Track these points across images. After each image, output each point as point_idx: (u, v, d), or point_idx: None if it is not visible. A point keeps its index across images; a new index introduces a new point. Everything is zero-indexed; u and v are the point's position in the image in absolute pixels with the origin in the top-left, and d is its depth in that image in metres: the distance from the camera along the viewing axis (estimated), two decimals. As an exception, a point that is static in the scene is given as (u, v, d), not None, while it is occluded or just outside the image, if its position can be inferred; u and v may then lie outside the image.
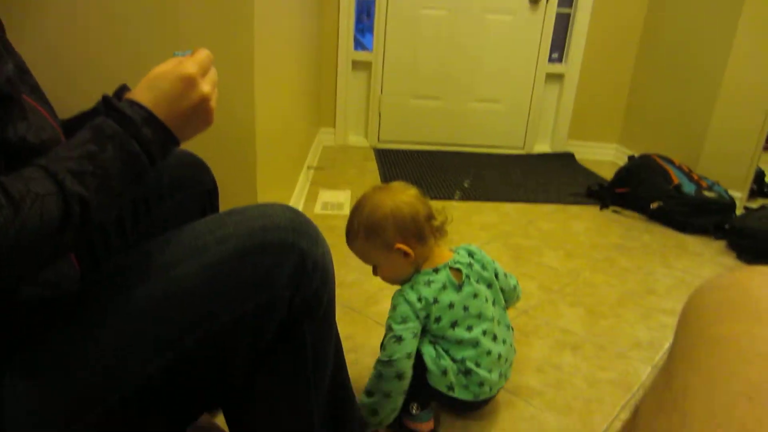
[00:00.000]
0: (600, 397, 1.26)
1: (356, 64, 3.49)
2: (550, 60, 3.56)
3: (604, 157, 3.64)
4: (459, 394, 1.05)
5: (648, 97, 3.37)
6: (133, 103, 0.59)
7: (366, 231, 1.05)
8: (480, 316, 1.07)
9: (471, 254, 1.12)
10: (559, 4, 3.42)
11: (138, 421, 0.64)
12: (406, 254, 1.04)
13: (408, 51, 3.45)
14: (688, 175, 2.53)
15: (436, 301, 1.04)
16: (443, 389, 1.05)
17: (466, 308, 1.05)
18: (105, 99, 0.60)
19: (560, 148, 3.67)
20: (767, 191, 3.03)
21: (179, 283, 0.63)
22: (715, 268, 2.03)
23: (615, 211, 2.57)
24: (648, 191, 2.51)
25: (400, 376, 1.01)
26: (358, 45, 3.55)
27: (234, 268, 0.64)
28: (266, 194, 1.55)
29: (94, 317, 0.63)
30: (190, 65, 0.62)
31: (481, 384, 1.06)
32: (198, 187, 1.02)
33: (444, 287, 1.05)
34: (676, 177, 2.50)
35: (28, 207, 0.49)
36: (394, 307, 1.04)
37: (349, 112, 3.57)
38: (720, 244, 2.26)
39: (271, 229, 0.67)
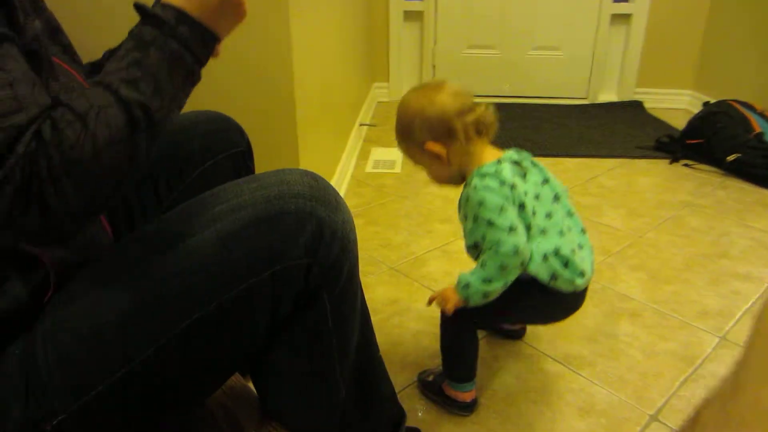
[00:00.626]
0: (658, 371, 1.18)
1: (408, 15, 3.35)
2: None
3: (677, 105, 3.37)
4: (561, 284, 0.95)
5: (726, 35, 3.06)
6: (165, 6, 0.59)
7: (400, 133, 1.03)
8: (554, 204, 0.99)
9: (519, 153, 1.03)
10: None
11: (159, 388, 0.64)
12: (438, 155, 0.98)
13: (461, 1, 3.27)
14: (772, 123, 2.30)
15: (513, 186, 0.94)
16: (546, 278, 0.94)
17: (537, 196, 0.97)
18: (137, 6, 0.60)
19: (628, 96, 3.42)
20: None
21: (194, 252, 0.63)
22: (798, 227, 1.85)
23: (686, 165, 2.38)
24: (725, 142, 2.30)
25: (523, 264, 0.93)
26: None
27: (249, 237, 0.63)
28: (310, 154, 1.52)
29: (115, 283, 0.62)
30: None
31: (581, 274, 0.96)
32: (231, 150, 1.00)
33: (513, 175, 0.96)
34: (758, 125, 2.27)
35: (95, 119, 0.51)
36: (480, 203, 0.93)
37: (403, 65, 3.46)
38: (807, 200, 2.06)
39: (288, 196, 0.65)
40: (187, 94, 0.61)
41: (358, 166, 2.31)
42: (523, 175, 0.97)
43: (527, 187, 0.96)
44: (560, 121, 3.03)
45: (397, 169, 2.27)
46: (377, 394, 0.86)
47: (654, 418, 1.06)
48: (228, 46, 0.68)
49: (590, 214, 1.90)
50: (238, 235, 0.63)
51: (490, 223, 0.91)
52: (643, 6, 3.24)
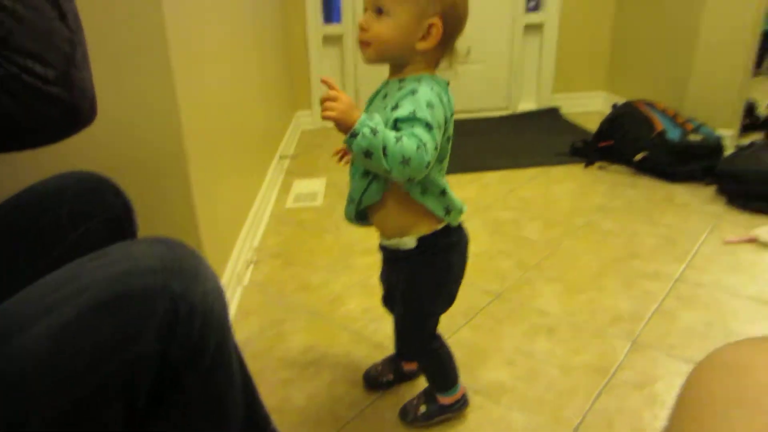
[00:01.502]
0: (574, 387, 1.19)
1: (327, 39, 3.35)
2: (528, 9, 3.40)
3: (592, 107, 3.50)
4: (453, 218, 0.94)
5: (630, 38, 3.21)
6: None
7: None
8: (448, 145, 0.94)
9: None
10: (529, -51, 3.24)
11: None
12: (428, 35, 0.84)
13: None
14: (673, 119, 2.41)
15: (450, 116, 0.87)
16: (441, 213, 0.92)
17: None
18: None
19: (546, 103, 3.53)
20: (761, 123, 2.89)
21: (23, 354, 0.55)
22: (702, 218, 1.93)
23: (600, 168, 2.46)
24: (632, 142, 2.40)
25: (406, 162, 0.79)
26: (334, 13, 3.38)
27: (90, 326, 0.56)
28: (212, 201, 1.47)
29: None
30: None
31: (461, 208, 0.96)
32: (105, 214, 0.92)
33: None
34: (660, 123, 2.38)
35: None
36: (429, 104, 0.81)
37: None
38: (710, 191, 2.16)
39: (135, 273, 0.58)
40: None
41: (279, 201, 2.28)
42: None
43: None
44: (483, 134, 3.08)
45: (319, 202, 2.25)
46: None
47: (570, 437, 1.08)
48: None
49: (510, 228, 1.93)
50: (77, 325, 0.56)
51: (428, 126, 0.81)
52: (553, 15, 3.36)
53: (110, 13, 1.12)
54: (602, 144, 2.54)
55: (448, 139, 0.89)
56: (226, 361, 0.69)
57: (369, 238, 1.90)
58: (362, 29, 0.85)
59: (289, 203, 2.25)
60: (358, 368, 1.25)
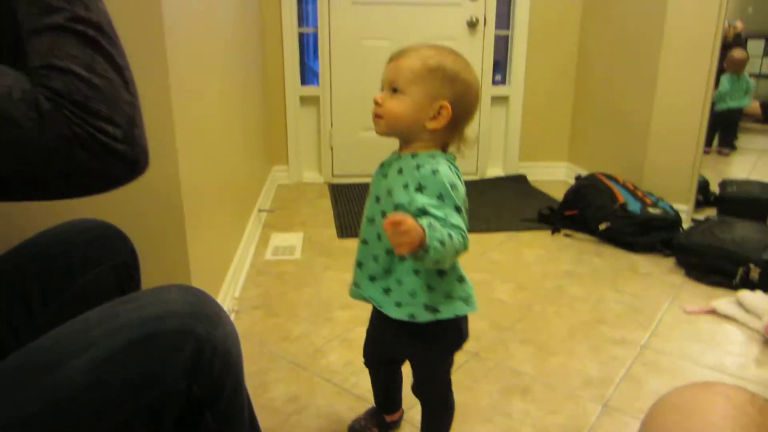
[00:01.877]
0: (549, 446, 1.23)
1: (304, 100, 3.48)
2: (494, 83, 3.61)
3: (555, 176, 3.68)
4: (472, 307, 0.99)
5: (590, 114, 3.44)
6: None
7: (434, 67, 0.90)
8: None
9: None
10: (497, 26, 3.47)
11: None
12: (437, 116, 0.90)
13: (354, 83, 3.45)
14: (633, 192, 2.57)
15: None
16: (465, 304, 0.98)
17: None
18: None
19: (513, 170, 3.70)
20: (713, 200, 3.10)
21: (65, 384, 0.60)
22: (664, 288, 2.05)
23: (566, 235, 2.59)
24: (595, 212, 2.54)
25: (458, 252, 0.88)
26: (311, 73, 3.53)
27: (124, 363, 0.61)
28: (201, 250, 1.50)
29: None
30: None
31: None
32: (113, 260, 0.97)
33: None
34: (621, 196, 2.53)
35: (61, 62, 0.56)
36: (453, 186, 0.88)
37: (301, 148, 3.55)
38: (669, 262, 2.29)
39: (165, 316, 0.65)
40: None
41: (257, 253, 2.30)
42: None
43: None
44: (453, 196, 3.19)
45: (297, 255, 2.28)
46: None
47: (547, 495, 1.11)
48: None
49: (483, 290, 2.00)
50: (112, 361, 0.61)
51: (458, 209, 0.88)
52: (518, 88, 3.58)
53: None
54: (568, 212, 2.68)
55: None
56: (240, 401, 0.73)
57: (347, 293, 1.93)
58: (377, 104, 0.93)
59: (268, 255, 2.28)
60: (340, 420, 1.27)
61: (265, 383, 1.41)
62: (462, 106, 0.93)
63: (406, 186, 0.91)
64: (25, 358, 0.63)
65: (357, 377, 1.45)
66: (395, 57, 0.94)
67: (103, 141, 0.55)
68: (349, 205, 3.03)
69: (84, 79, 0.55)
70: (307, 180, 3.57)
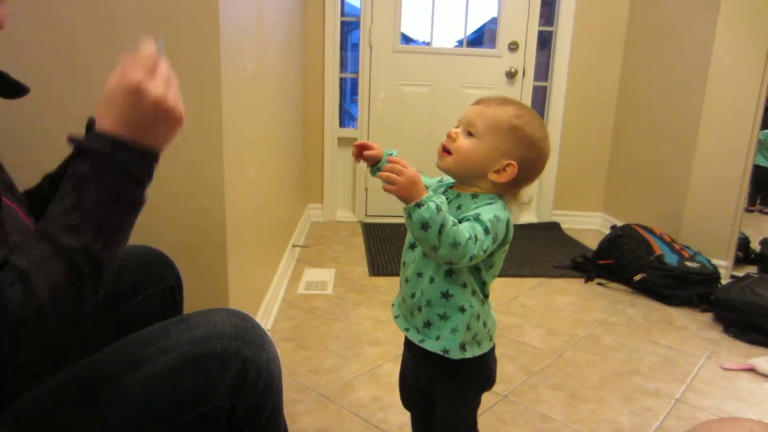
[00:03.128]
0: (579, 494, 1.21)
1: (342, 141, 3.57)
2: (531, 133, 3.65)
3: (589, 226, 3.66)
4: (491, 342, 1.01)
5: (626, 166, 3.43)
6: (99, 136, 0.58)
7: (517, 128, 0.91)
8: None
9: None
10: (536, 78, 3.54)
11: None
12: (502, 171, 0.92)
13: (391, 127, 3.54)
14: (670, 245, 2.54)
15: (505, 241, 0.95)
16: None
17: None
18: (71, 140, 0.60)
19: (546, 218, 3.70)
20: (754, 257, 3.03)
21: (120, 396, 0.63)
22: (700, 343, 2.00)
23: (600, 284, 2.56)
24: (631, 263, 2.51)
25: (455, 246, 0.83)
26: (348, 116, 3.63)
27: (174, 380, 0.65)
28: (240, 280, 1.55)
29: (38, 430, 0.62)
30: (133, 71, 0.59)
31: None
32: (161, 284, 1.02)
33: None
34: (658, 248, 2.50)
35: (35, 276, 0.52)
36: (498, 220, 0.89)
37: (337, 187, 3.63)
38: (706, 317, 2.24)
39: (214, 337, 0.68)
40: (132, 223, 0.62)
41: (290, 287, 2.34)
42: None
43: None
44: (485, 241, 3.20)
45: (329, 290, 2.31)
46: None
47: None
48: (157, 175, 0.66)
49: (513, 333, 1.98)
50: (163, 377, 0.64)
51: (486, 230, 0.88)
52: (554, 138, 3.61)
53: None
54: (602, 261, 2.65)
55: (504, 251, 0.98)
56: (277, 423, 0.75)
57: (377, 330, 1.95)
58: (450, 137, 0.94)
59: (300, 289, 2.31)
60: (367, 456, 1.27)
61: (294, 414, 1.42)
62: (528, 170, 0.94)
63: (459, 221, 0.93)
64: (82, 372, 0.67)
65: (385, 413, 1.45)
66: (484, 101, 0.95)
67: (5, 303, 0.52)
68: (381, 244, 3.06)
69: (37, 304, 0.53)
70: (340, 218, 3.63)
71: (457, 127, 0.96)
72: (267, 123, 2.01)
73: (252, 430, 0.70)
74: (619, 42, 3.47)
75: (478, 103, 0.95)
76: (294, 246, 2.75)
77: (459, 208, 0.96)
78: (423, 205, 0.82)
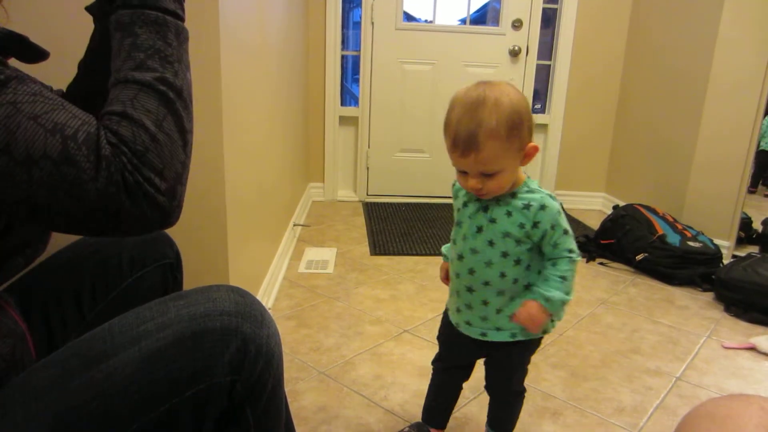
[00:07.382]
0: (579, 470, 1.21)
1: (343, 119, 3.55)
2: (533, 111, 3.62)
3: (591, 206, 3.65)
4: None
5: (630, 145, 3.41)
6: None
7: (507, 128, 0.88)
8: None
9: None
10: (539, 57, 3.50)
11: None
12: (527, 156, 0.93)
13: (393, 106, 3.51)
14: (672, 225, 2.53)
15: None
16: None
17: None
18: (89, 9, 0.68)
19: (548, 197, 3.68)
20: (756, 237, 3.02)
21: (116, 373, 0.63)
22: (701, 322, 2.00)
23: (601, 264, 2.56)
24: (632, 242, 2.50)
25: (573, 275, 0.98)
26: (349, 95, 3.60)
27: (173, 356, 0.64)
28: (240, 258, 1.54)
29: (32, 405, 0.61)
30: None
31: None
32: (160, 261, 1.01)
33: None
34: (660, 227, 2.49)
35: (134, 111, 0.59)
36: (560, 212, 0.95)
37: (338, 167, 3.61)
38: (707, 296, 2.23)
39: (213, 314, 0.67)
40: (187, 51, 0.67)
41: (291, 266, 2.34)
42: None
43: None
44: (487, 221, 3.19)
45: (330, 269, 2.31)
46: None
47: None
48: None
49: (514, 312, 1.98)
50: (162, 354, 0.63)
51: (566, 232, 0.94)
52: (557, 117, 3.58)
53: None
54: (604, 241, 2.64)
55: None
56: (278, 400, 0.75)
57: (378, 308, 1.95)
58: (476, 191, 0.95)
59: (302, 268, 2.31)
60: (369, 431, 1.27)
61: (295, 392, 1.43)
62: (531, 128, 0.93)
63: (522, 226, 0.96)
64: (79, 349, 0.67)
65: (386, 391, 1.45)
66: (465, 149, 0.90)
67: (147, 191, 0.59)
68: (382, 223, 3.05)
69: (150, 132, 0.59)
70: (341, 198, 3.62)
71: (463, 172, 0.96)
72: (267, 101, 1.98)
73: (252, 406, 0.70)
74: (624, 19, 3.42)
75: (462, 152, 0.91)
76: (295, 225, 2.74)
77: (509, 214, 0.97)
78: (556, 311, 0.96)
